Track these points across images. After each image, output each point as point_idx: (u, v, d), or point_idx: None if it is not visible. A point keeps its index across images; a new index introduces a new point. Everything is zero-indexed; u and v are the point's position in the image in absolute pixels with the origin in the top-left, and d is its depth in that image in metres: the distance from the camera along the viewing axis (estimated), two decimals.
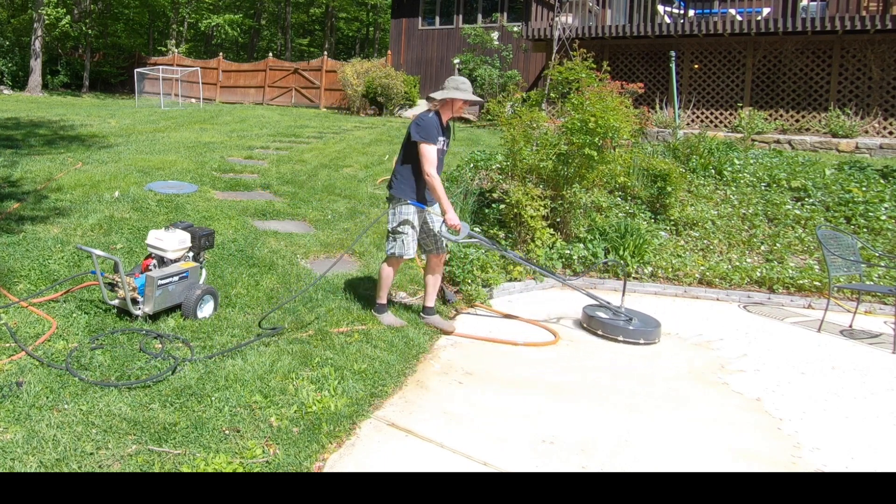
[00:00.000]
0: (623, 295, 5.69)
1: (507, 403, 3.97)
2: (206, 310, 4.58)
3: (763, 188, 8.42)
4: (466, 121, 17.14)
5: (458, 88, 4.66)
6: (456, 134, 13.37)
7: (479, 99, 4.80)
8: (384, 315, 4.95)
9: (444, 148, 4.80)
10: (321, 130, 13.91)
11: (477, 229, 7.02)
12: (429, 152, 4.56)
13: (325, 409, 3.53)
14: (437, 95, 4.70)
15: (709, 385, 4.46)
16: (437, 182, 4.59)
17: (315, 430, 3.33)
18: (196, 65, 25.56)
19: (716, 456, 3.49)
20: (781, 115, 12.36)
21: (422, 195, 4.81)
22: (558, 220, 7.26)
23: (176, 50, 31.75)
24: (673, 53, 12.22)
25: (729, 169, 8.78)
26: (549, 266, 6.77)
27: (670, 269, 6.93)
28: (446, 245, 5.01)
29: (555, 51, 13.54)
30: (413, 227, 4.79)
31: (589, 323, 5.38)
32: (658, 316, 5.95)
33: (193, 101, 22.27)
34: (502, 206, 7.10)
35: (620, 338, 5.12)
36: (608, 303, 5.51)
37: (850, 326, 5.85)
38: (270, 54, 26.56)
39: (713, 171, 8.79)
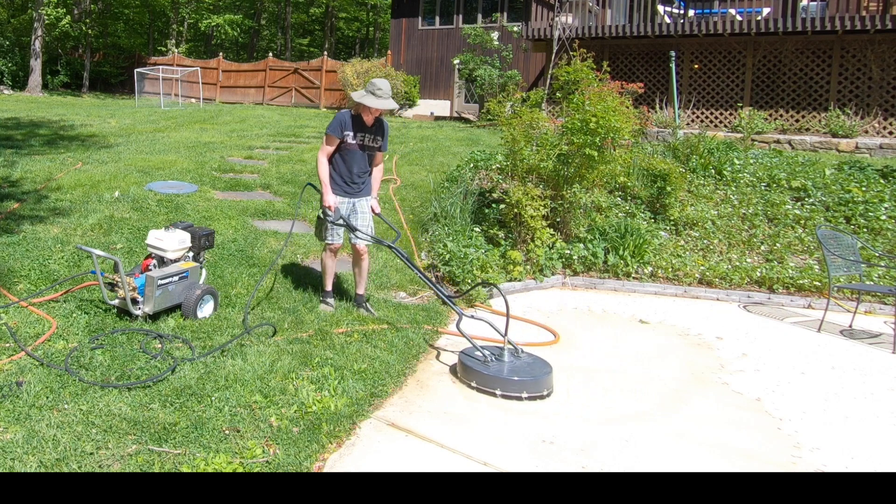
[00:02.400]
0: (507, 326, 4.37)
1: (507, 403, 3.96)
2: (206, 310, 4.58)
3: (763, 188, 8.42)
4: (467, 121, 17.14)
5: (373, 94, 4.81)
6: (457, 133, 13.29)
7: (389, 107, 4.85)
8: (321, 304, 5.12)
9: (364, 143, 4.96)
10: (321, 130, 13.90)
11: (477, 229, 7.02)
12: (325, 141, 4.97)
13: (325, 409, 3.53)
14: (354, 96, 4.97)
15: (709, 385, 4.46)
16: (319, 166, 4.95)
17: (315, 430, 3.33)
18: (196, 65, 25.56)
19: (716, 456, 3.49)
20: (781, 115, 12.35)
21: (345, 187, 5.02)
22: (558, 220, 7.26)
23: (176, 50, 31.75)
24: (673, 53, 12.22)
25: (729, 169, 8.77)
26: (549, 266, 6.77)
27: (670, 269, 6.93)
28: (358, 236, 5.00)
29: (555, 51, 13.54)
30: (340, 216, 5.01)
31: (462, 372, 4.23)
32: (658, 316, 5.96)
33: (193, 101, 22.27)
34: (502, 206, 7.10)
35: (498, 392, 4.01)
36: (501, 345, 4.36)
37: (850, 326, 5.85)
38: (270, 54, 26.56)
39: (713, 171, 8.78)
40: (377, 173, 5.21)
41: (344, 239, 5.16)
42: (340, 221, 4.91)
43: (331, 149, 4.95)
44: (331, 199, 4.90)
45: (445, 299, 4.77)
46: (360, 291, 5.20)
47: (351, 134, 4.92)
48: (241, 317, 4.64)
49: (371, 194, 5.17)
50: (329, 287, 5.19)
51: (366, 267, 5.18)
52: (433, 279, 4.50)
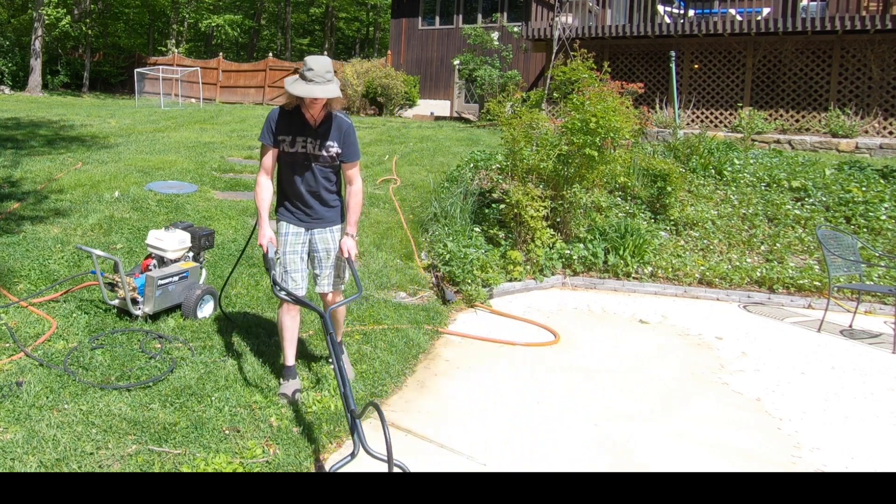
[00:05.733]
0: None
1: (507, 404, 3.96)
2: (206, 310, 4.58)
3: (763, 188, 8.42)
4: (467, 121, 17.14)
5: (302, 77, 3.35)
6: (457, 133, 13.25)
7: (325, 94, 3.32)
8: (285, 383, 3.67)
9: (307, 151, 3.51)
10: None
11: (478, 229, 7.02)
12: (261, 153, 3.58)
13: (325, 409, 3.53)
14: (286, 83, 3.48)
15: (709, 385, 4.46)
16: (257, 189, 3.57)
17: (315, 429, 3.34)
18: (196, 65, 25.55)
19: (716, 456, 3.49)
20: (781, 115, 12.35)
21: (297, 213, 3.63)
22: (558, 220, 7.25)
23: (176, 50, 31.75)
24: (673, 53, 12.21)
25: (729, 169, 8.77)
26: (549, 266, 6.76)
27: (670, 269, 6.93)
28: (279, 294, 3.55)
29: (555, 51, 13.53)
30: (290, 252, 3.61)
31: None
32: (658, 316, 5.96)
33: (193, 101, 22.26)
34: (502, 207, 7.10)
35: None
36: None
37: (850, 326, 5.84)
38: (270, 54, 26.58)
39: (713, 171, 8.78)
40: (352, 196, 3.59)
41: (308, 286, 3.70)
42: (274, 264, 3.52)
43: (269, 163, 3.53)
44: (265, 235, 3.50)
45: (351, 423, 2.99)
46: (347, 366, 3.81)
47: (287, 139, 3.49)
48: (241, 317, 4.64)
49: (346, 226, 3.62)
50: (290, 361, 3.70)
51: (336, 326, 3.73)
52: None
